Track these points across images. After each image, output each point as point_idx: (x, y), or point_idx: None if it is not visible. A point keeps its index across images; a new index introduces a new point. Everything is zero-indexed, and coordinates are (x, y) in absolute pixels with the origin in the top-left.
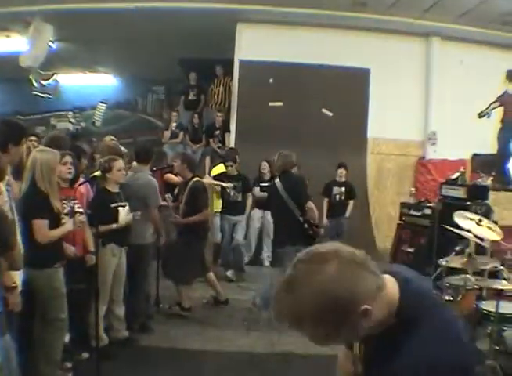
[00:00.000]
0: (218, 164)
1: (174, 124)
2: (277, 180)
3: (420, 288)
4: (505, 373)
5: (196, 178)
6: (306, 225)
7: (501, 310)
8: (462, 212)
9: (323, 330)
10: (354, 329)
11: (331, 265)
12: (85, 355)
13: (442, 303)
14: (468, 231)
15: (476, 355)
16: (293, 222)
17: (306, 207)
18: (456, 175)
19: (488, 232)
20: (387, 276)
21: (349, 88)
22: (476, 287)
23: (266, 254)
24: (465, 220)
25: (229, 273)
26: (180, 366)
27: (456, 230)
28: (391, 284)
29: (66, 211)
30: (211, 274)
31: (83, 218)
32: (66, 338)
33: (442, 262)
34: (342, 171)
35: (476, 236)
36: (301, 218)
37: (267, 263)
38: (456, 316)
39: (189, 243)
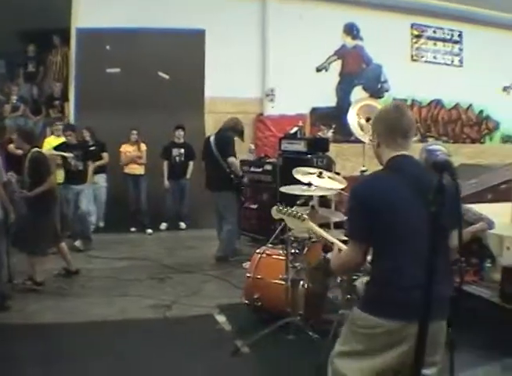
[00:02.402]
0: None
1: (15, 97)
2: (212, 138)
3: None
4: None
5: (34, 149)
6: (232, 176)
7: None
8: (300, 168)
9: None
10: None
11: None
12: None
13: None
14: (309, 184)
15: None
16: (222, 173)
17: (228, 161)
18: (295, 129)
19: (330, 182)
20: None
21: (185, 50)
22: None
23: (96, 217)
24: (305, 175)
25: (77, 243)
26: (37, 342)
27: (295, 190)
28: (395, 154)
29: None
30: (64, 244)
31: None
32: None
33: None
34: (180, 133)
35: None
36: (227, 170)
37: (101, 224)
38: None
39: (39, 213)
